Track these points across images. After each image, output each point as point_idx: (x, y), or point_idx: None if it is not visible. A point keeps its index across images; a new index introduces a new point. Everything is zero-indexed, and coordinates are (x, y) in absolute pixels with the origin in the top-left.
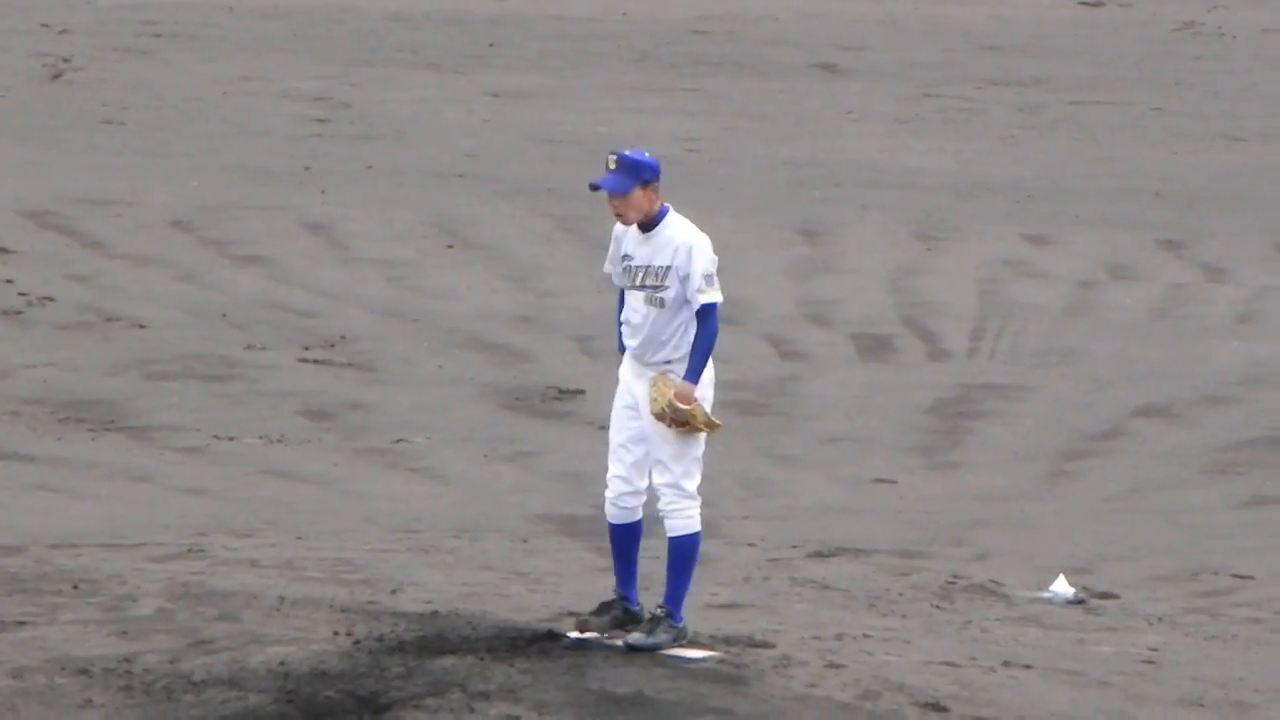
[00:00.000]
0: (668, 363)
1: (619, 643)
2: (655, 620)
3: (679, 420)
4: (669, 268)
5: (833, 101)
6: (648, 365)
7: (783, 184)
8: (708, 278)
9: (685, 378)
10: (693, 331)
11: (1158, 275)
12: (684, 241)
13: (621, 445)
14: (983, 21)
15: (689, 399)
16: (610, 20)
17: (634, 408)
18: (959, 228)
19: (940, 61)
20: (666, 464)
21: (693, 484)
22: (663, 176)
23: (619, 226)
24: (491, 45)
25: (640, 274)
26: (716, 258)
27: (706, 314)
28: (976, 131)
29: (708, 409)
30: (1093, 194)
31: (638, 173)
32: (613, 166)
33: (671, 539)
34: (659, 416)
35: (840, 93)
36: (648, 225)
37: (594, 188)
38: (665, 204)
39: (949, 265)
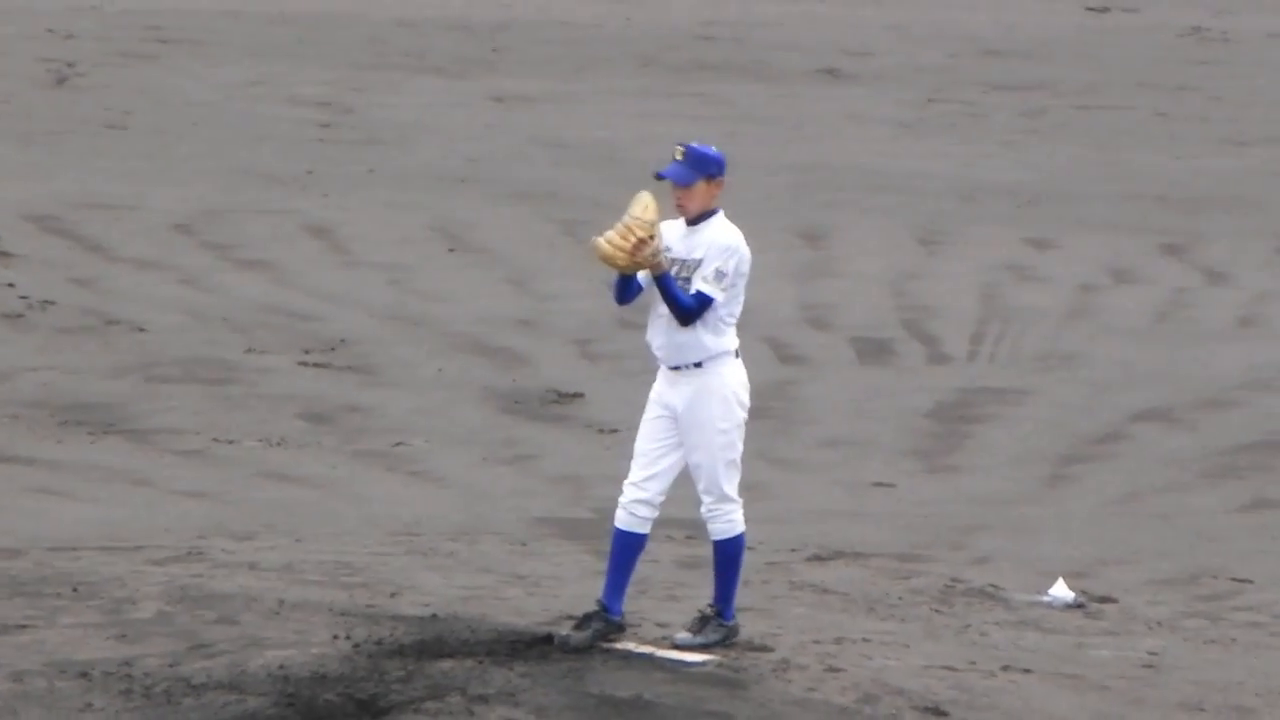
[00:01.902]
0: (698, 364)
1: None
2: (704, 619)
3: (630, 241)
4: (701, 260)
5: (836, 106)
6: (678, 371)
7: (785, 188)
8: (718, 273)
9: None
10: (721, 331)
11: (1159, 279)
12: (720, 239)
13: (644, 454)
14: (987, 26)
15: (655, 251)
16: (614, 25)
17: (665, 418)
18: (961, 231)
19: (944, 66)
20: (704, 469)
21: (732, 487)
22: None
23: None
24: (495, 50)
25: (677, 267)
26: (744, 272)
27: (697, 298)
28: (979, 136)
29: (742, 415)
30: (1095, 198)
31: (703, 166)
32: (679, 157)
33: (715, 543)
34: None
35: (843, 97)
36: (695, 220)
37: (659, 177)
38: (718, 205)
39: (950, 269)
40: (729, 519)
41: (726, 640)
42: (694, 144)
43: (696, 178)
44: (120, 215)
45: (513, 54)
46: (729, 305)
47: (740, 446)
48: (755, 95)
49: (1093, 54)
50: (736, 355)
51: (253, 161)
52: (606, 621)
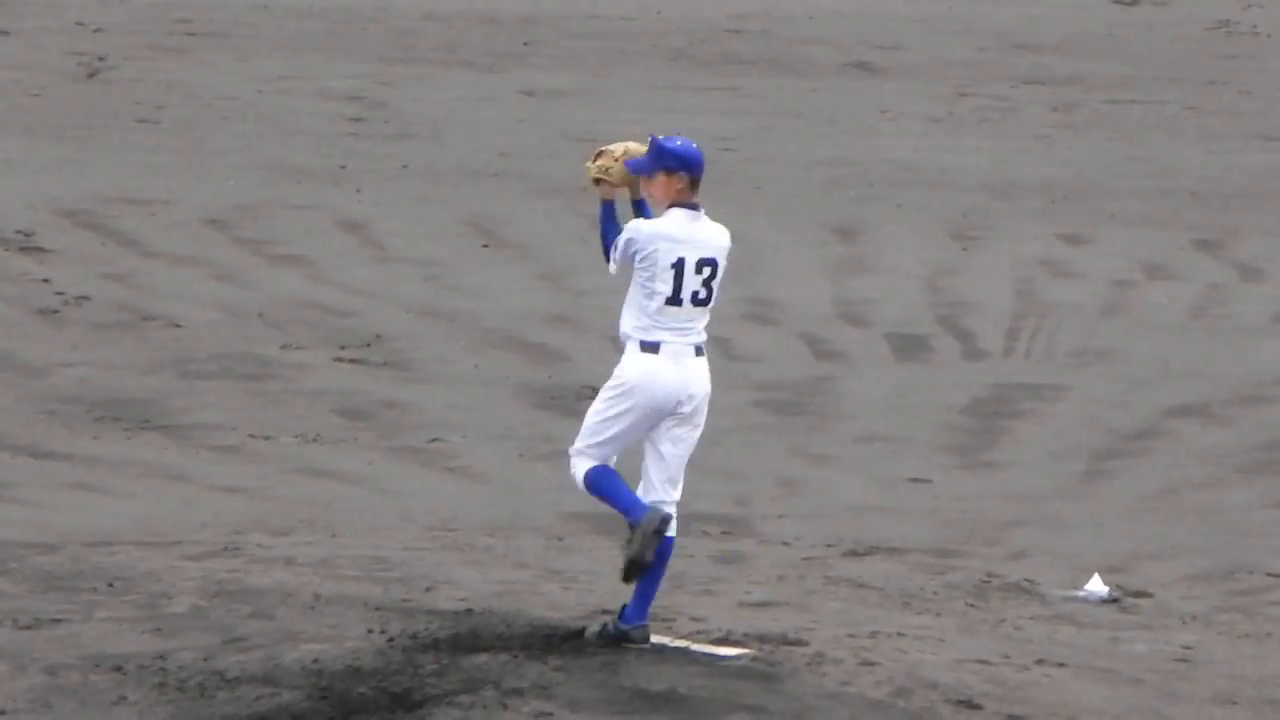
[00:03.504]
0: (627, 336)
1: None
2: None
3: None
4: None
5: (867, 100)
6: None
7: (817, 183)
8: (615, 246)
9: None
10: (637, 315)
11: (1193, 275)
12: (645, 222)
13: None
14: (1017, 20)
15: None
16: (645, 19)
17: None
18: (994, 227)
19: (974, 60)
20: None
21: (582, 441)
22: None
23: None
24: (526, 44)
25: None
26: (637, 259)
27: (607, 238)
28: (1011, 130)
29: (614, 389)
30: (1128, 193)
31: (661, 159)
32: (646, 147)
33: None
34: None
35: (875, 91)
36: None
37: (628, 168)
38: (699, 204)
39: (984, 264)
40: (572, 469)
41: (643, 545)
42: (662, 137)
43: (653, 169)
44: (154, 210)
45: (543, 47)
46: (642, 293)
47: (602, 412)
48: (786, 89)
49: (1122, 48)
50: (646, 349)
51: (285, 156)
52: (618, 628)
